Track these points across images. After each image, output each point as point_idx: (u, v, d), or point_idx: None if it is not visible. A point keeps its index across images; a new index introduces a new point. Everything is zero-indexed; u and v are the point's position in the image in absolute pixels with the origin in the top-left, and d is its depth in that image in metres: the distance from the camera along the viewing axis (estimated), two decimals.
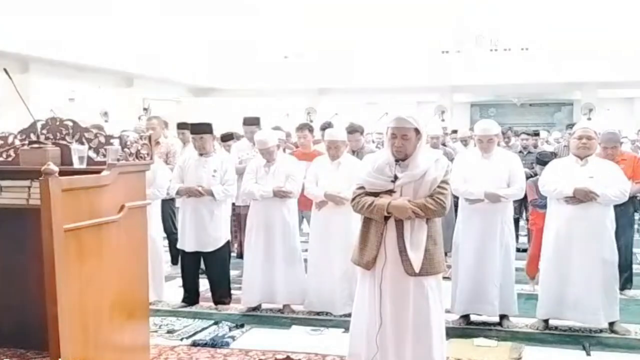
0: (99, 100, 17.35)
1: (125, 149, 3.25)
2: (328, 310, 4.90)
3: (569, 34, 15.23)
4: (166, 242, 6.44)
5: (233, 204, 5.93)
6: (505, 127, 9.60)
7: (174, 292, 5.52)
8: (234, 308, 5.17)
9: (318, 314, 4.95)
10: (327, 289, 4.87)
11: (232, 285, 5.33)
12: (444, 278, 3.42)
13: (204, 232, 5.15)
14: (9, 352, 3.46)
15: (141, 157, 3.34)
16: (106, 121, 15.77)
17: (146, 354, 3.58)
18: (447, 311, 4.13)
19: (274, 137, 5.15)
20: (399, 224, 3.14)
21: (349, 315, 3.57)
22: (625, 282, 5.36)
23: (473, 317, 4.71)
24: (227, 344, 4.31)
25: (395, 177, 3.17)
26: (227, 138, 7.76)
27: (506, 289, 4.58)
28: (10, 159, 3.49)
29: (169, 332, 4.57)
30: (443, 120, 17.82)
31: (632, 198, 5.23)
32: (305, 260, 5.13)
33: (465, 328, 4.59)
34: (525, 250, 6.42)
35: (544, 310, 4.53)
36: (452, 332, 4.21)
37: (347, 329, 3.61)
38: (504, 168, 4.59)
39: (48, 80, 13.19)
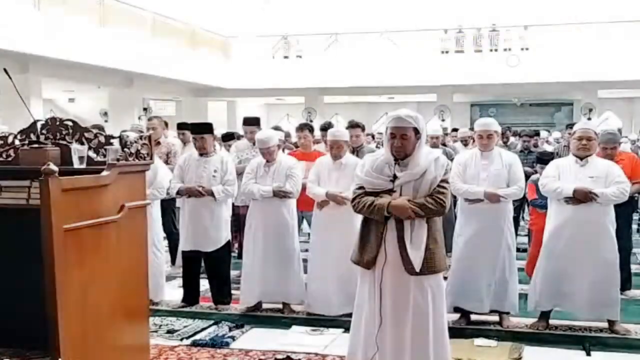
0: (99, 100, 17.38)
1: (125, 149, 3.24)
2: (325, 314, 4.86)
3: (569, 34, 15.24)
4: (166, 242, 6.44)
5: (233, 204, 5.93)
6: (504, 127, 9.61)
7: (174, 292, 5.52)
8: (234, 308, 5.17)
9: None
10: (326, 289, 4.86)
11: (232, 285, 5.33)
12: (444, 278, 3.42)
13: (204, 232, 5.15)
14: (9, 352, 3.46)
15: (141, 157, 3.34)
16: (106, 121, 15.81)
17: (146, 354, 3.58)
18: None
19: (275, 137, 5.15)
20: (399, 223, 3.15)
21: (349, 315, 3.57)
22: (625, 282, 5.35)
23: (473, 317, 4.71)
24: (227, 344, 4.32)
25: (395, 177, 3.17)
26: (227, 138, 7.78)
27: (508, 287, 4.60)
28: (10, 159, 3.49)
29: (168, 332, 4.57)
30: (443, 120, 17.84)
31: (631, 198, 5.22)
32: (305, 260, 5.13)
33: (465, 328, 4.59)
34: (525, 250, 6.42)
35: (535, 302, 4.57)
36: (452, 332, 4.18)
37: (347, 329, 3.61)
38: (503, 168, 4.60)
39: (48, 80, 13.18)
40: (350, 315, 3.51)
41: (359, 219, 3.39)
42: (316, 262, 4.96)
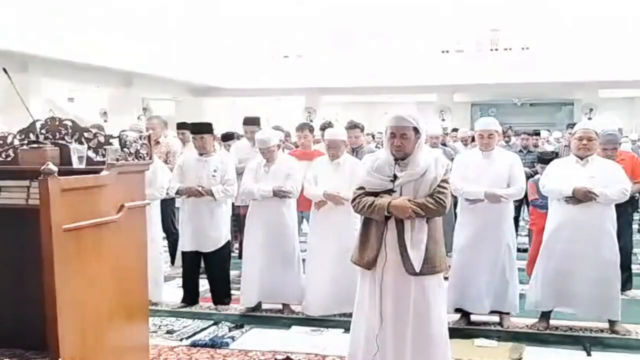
0: (98, 100, 17.37)
1: (125, 149, 3.24)
2: (324, 316, 4.83)
3: (569, 33, 15.22)
4: (166, 242, 6.43)
5: (233, 204, 5.93)
6: (505, 127, 9.62)
7: (173, 292, 5.52)
8: (233, 308, 5.16)
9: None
10: (324, 290, 4.84)
11: (232, 285, 5.32)
12: (444, 278, 3.41)
13: (204, 232, 5.15)
14: (9, 352, 3.45)
15: (141, 157, 3.33)
16: (105, 121, 15.81)
17: (146, 355, 3.57)
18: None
19: (275, 137, 5.14)
20: (400, 223, 3.14)
21: (349, 315, 3.56)
22: (625, 282, 5.35)
23: (473, 317, 4.71)
24: (227, 345, 4.31)
25: (395, 177, 3.17)
26: (227, 138, 7.77)
27: (509, 288, 4.59)
28: (9, 159, 3.48)
29: (168, 332, 4.56)
30: (443, 120, 17.83)
31: (631, 198, 5.22)
32: (304, 261, 5.12)
33: (465, 328, 4.59)
34: (525, 251, 6.41)
35: (535, 302, 4.56)
36: (452, 332, 4.17)
37: (347, 329, 3.60)
38: (504, 168, 4.59)
39: (47, 79, 13.17)
40: (349, 315, 3.50)
41: (356, 219, 3.38)
42: (313, 263, 4.94)
